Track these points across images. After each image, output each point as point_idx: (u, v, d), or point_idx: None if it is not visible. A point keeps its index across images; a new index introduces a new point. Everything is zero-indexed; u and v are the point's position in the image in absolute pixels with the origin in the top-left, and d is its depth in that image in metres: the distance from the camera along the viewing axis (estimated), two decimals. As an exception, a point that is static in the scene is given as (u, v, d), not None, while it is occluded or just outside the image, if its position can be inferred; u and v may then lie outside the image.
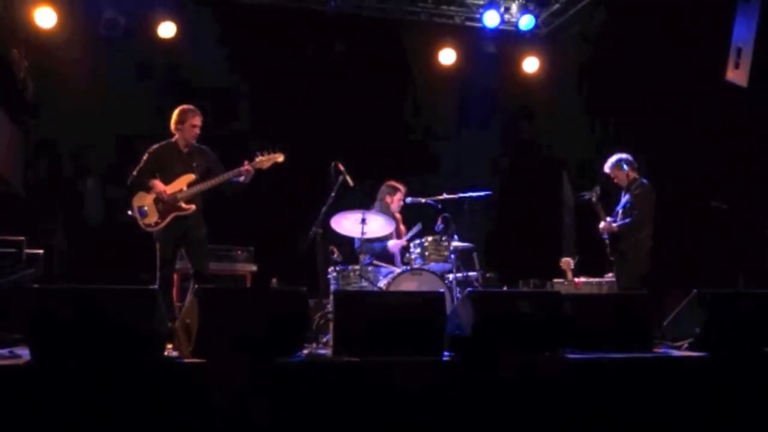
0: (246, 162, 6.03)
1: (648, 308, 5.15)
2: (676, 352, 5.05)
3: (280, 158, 6.16)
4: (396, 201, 7.27)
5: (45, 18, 7.90)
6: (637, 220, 6.72)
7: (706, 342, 4.94)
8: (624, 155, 6.98)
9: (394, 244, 7.15)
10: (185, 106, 6.11)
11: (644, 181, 6.89)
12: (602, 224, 6.85)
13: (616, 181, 7.01)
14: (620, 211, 6.85)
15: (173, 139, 6.12)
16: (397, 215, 7.27)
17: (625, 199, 6.88)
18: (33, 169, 8.22)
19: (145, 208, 5.98)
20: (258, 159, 6.07)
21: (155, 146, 6.11)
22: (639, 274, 6.69)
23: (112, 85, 8.20)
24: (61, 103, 8.00)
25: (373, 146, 8.71)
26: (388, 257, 7.15)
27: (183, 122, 6.05)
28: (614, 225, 6.78)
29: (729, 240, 7.33)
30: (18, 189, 7.97)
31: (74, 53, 8.00)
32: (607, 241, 6.87)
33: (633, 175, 6.91)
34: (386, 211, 7.12)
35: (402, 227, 7.30)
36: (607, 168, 7.03)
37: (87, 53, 8.06)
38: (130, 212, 6.00)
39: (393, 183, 7.36)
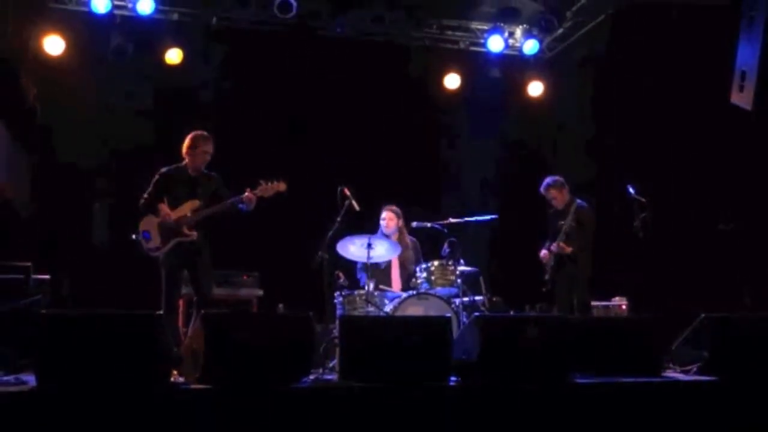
0: (248, 190, 6.03)
1: (656, 332, 5.13)
2: (684, 377, 5.01)
3: (283, 187, 6.14)
4: (385, 222, 7.24)
5: (53, 45, 7.99)
6: (588, 240, 6.81)
7: (714, 366, 4.91)
8: (559, 177, 7.02)
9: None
10: (199, 132, 6.11)
11: (581, 201, 6.94)
12: (554, 246, 6.83)
13: (554, 202, 7.01)
14: (563, 233, 6.81)
15: (183, 164, 6.12)
16: (394, 236, 7.20)
17: (566, 220, 6.84)
18: (40, 194, 8.25)
19: (150, 232, 5.99)
20: (260, 187, 6.07)
21: (164, 169, 6.12)
22: (586, 293, 6.86)
23: (119, 111, 8.27)
24: (69, 128, 8.04)
25: (378, 171, 8.73)
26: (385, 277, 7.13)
27: (195, 147, 6.04)
28: (569, 248, 6.79)
29: (736, 262, 7.30)
30: (25, 214, 8.00)
31: (82, 79, 8.07)
32: (549, 268, 6.87)
33: (569, 196, 6.97)
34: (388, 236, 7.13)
35: (405, 248, 7.20)
36: (549, 189, 7.00)
37: (95, 79, 8.14)
38: (134, 236, 6.01)
39: (383, 207, 7.36)
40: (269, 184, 6.10)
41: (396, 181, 8.68)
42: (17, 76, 7.70)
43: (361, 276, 7.10)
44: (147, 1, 8.00)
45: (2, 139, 7.65)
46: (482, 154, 9.47)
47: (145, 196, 6.05)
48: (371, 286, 6.61)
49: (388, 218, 7.22)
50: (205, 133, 6.12)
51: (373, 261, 6.65)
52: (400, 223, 7.25)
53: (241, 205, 6.03)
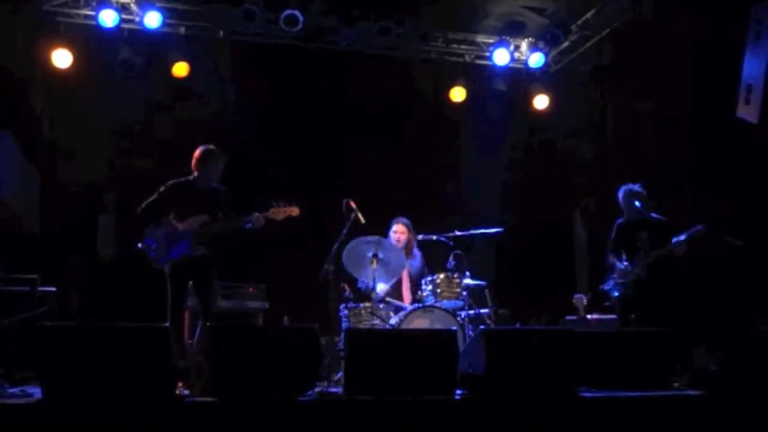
0: (258, 213, 6.00)
1: (664, 346, 5.11)
2: (693, 391, 4.99)
3: (295, 212, 6.07)
4: (396, 235, 7.23)
5: (61, 59, 8.04)
6: None
7: (723, 381, 4.88)
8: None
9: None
10: (210, 148, 6.06)
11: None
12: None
13: (632, 212, 6.70)
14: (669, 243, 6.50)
15: (191, 177, 6.09)
16: (403, 249, 7.19)
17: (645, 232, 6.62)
18: (47, 206, 8.28)
19: (156, 242, 5.96)
20: (272, 210, 6.02)
21: (172, 182, 6.08)
22: None
23: (127, 124, 8.31)
24: (76, 142, 8.09)
25: (384, 183, 8.74)
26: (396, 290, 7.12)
27: (205, 162, 6.00)
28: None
29: (744, 278, 7.27)
30: (32, 227, 8.03)
31: (90, 92, 8.12)
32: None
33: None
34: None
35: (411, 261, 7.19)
36: (630, 195, 6.70)
37: (102, 92, 8.18)
38: (140, 244, 5.99)
39: (394, 219, 7.35)
40: (281, 207, 6.04)
41: (401, 194, 8.68)
42: (25, 90, 7.77)
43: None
44: (154, 15, 8.04)
45: (12, 151, 7.70)
46: (488, 167, 9.47)
47: (144, 204, 6.01)
48: (377, 296, 6.59)
49: (399, 231, 7.22)
50: (216, 149, 6.07)
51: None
52: (410, 235, 7.25)
53: (248, 225, 5.99)
